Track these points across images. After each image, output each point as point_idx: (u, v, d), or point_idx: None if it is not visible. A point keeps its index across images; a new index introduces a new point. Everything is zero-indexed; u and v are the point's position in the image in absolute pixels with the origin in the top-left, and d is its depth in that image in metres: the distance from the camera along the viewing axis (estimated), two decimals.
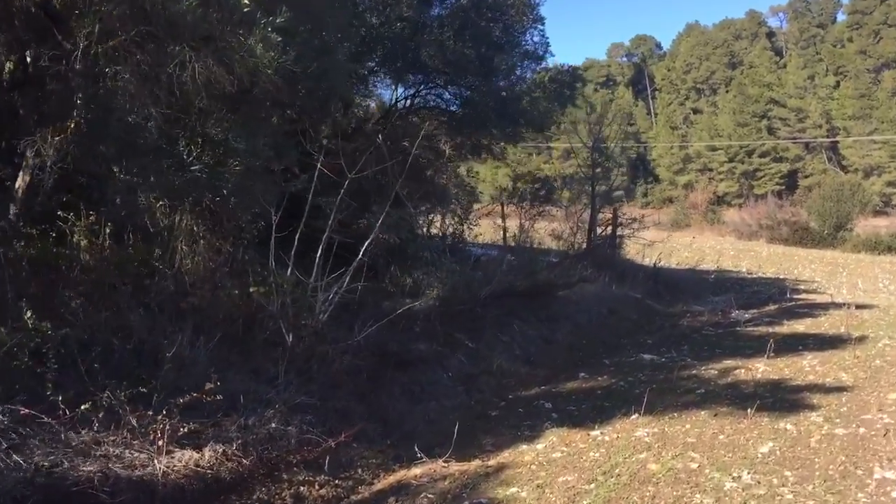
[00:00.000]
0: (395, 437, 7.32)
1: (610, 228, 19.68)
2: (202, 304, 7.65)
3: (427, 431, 7.70)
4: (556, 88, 14.99)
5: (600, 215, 19.68)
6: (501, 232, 19.02)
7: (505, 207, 18.47)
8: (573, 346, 12.42)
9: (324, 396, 7.10)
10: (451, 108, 14.90)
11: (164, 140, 8.84)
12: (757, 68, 75.34)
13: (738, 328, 14.05)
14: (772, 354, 11.33)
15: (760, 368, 10.50)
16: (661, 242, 21.01)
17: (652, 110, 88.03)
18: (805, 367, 10.44)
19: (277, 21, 6.70)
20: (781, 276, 23.96)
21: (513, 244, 17.40)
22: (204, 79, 6.73)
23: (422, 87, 15.23)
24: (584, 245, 18.95)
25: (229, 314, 7.69)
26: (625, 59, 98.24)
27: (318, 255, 8.20)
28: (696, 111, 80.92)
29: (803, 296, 18.99)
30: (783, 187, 64.17)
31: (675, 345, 12.84)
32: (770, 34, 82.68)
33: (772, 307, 16.75)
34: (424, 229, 15.34)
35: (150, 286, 7.67)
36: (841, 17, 76.55)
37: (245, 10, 6.57)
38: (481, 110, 14.48)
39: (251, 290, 7.77)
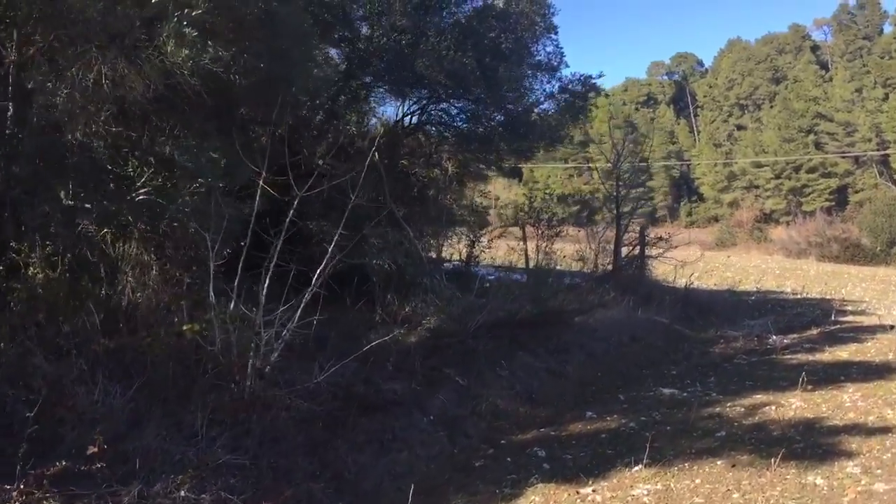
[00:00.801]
0: (348, 498, 6.22)
1: (638, 249, 18.39)
2: (133, 344, 6.67)
3: (391, 489, 6.57)
4: (566, 99, 13.88)
5: (628, 234, 18.41)
6: (523, 254, 17.93)
7: (525, 228, 17.35)
8: (585, 379, 11.20)
9: (259, 453, 6.03)
10: (457, 124, 13.89)
11: (108, 160, 7.97)
12: (802, 82, 73.17)
13: (773, 356, 12.74)
14: (808, 387, 10.08)
15: (794, 404, 9.23)
16: (694, 262, 19.57)
17: (694, 128, 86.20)
18: (845, 403, 9.14)
19: (193, 14, 5.73)
20: (828, 297, 22.37)
21: (532, 266, 16.30)
22: (111, 82, 5.81)
23: (426, 102, 14.25)
24: (610, 266, 17.73)
25: (164, 356, 6.68)
26: (665, 77, 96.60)
27: (263, 283, 7.13)
28: (739, 128, 78.86)
29: (849, 318, 17.49)
30: (833, 203, 61.85)
31: (702, 376, 11.59)
32: (815, 48, 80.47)
33: (814, 331, 15.33)
34: (428, 253, 14.32)
35: (78, 324, 6.72)
36: (888, 28, 74.11)
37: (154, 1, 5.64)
38: (486, 125, 13.47)
39: (184, 328, 6.73)
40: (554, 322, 11.86)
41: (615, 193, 18.23)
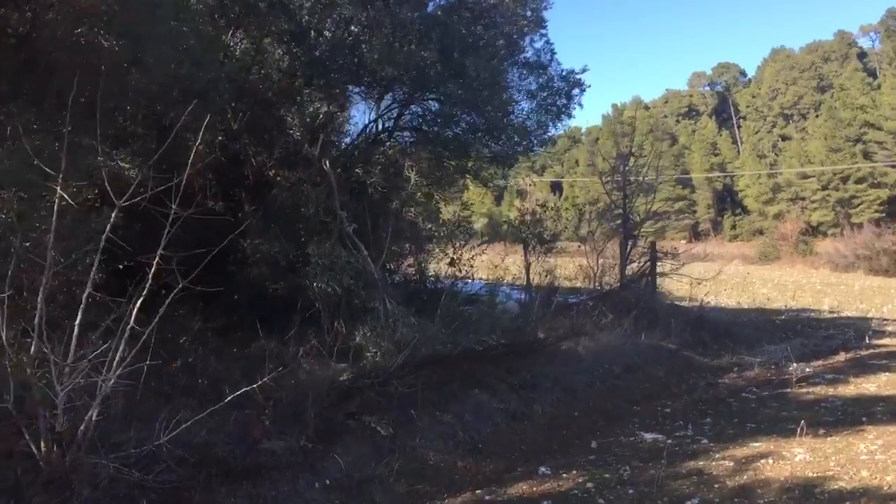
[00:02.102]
0: None
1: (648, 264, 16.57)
2: None
3: None
4: (546, 97, 12.22)
5: (636, 249, 16.62)
6: (523, 272, 16.32)
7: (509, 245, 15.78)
8: (556, 422, 9.47)
9: None
10: (425, 128, 12.32)
11: None
12: (849, 91, 70.22)
13: (788, 389, 10.89)
14: (820, 431, 8.32)
15: (797, 455, 7.47)
16: (712, 279, 17.68)
17: (738, 139, 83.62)
18: (860, 455, 7.35)
19: None
20: (868, 315, 20.28)
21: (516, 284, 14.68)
22: None
23: (395, 105, 12.74)
24: (617, 284, 15.98)
25: None
26: (707, 87, 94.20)
27: (77, 321, 5.57)
28: (784, 138, 76.16)
29: (885, 340, 15.45)
30: (883, 215, 58.90)
31: (699, 415, 9.85)
32: (861, 55, 77.55)
33: (841, 358, 13.41)
34: (393, 272, 12.76)
35: None
36: None
37: None
38: (456, 127, 11.92)
39: None
40: (526, 352, 10.19)
41: (622, 203, 16.46)
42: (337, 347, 9.25)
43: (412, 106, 12.53)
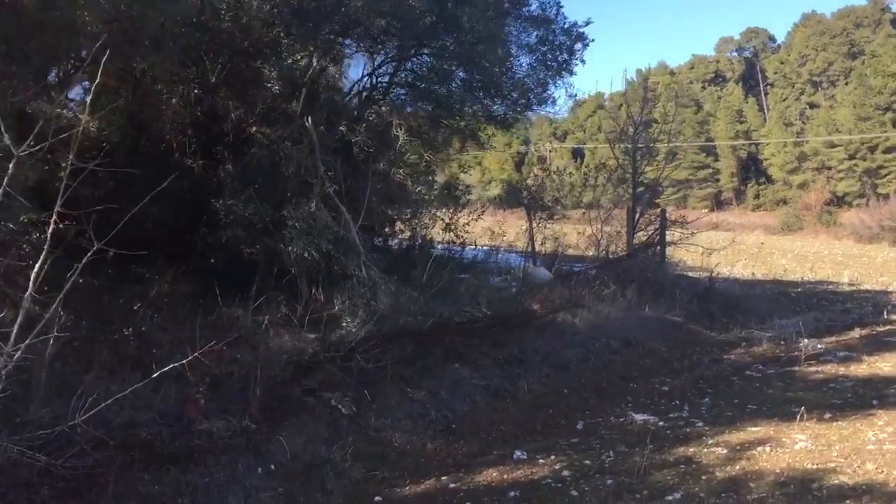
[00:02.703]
0: None
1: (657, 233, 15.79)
2: None
3: None
4: (547, 52, 11.41)
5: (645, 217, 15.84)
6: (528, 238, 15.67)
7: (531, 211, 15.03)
8: (543, 399, 8.84)
9: None
10: (425, 86, 11.57)
11: None
12: (880, 57, 68.01)
13: (796, 367, 10.18)
14: (826, 415, 7.66)
15: (798, 443, 6.83)
16: (723, 249, 16.88)
17: (764, 107, 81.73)
18: (867, 444, 6.68)
19: None
20: (889, 289, 19.41)
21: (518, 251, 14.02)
22: None
23: (388, 60, 12.02)
24: (624, 253, 15.25)
25: None
26: (735, 53, 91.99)
27: None
28: (812, 106, 74.25)
29: None
30: None
31: (698, 394, 9.20)
32: (894, 20, 75.32)
33: (856, 334, 12.66)
34: (384, 237, 12.15)
35: None
36: None
37: None
38: (448, 83, 11.21)
39: None
40: (515, 324, 9.55)
41: (632, 169, 15.66)
42: (308, 316, 8.68)
43: (408, 62, 11.81)
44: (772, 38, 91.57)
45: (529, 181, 15.98)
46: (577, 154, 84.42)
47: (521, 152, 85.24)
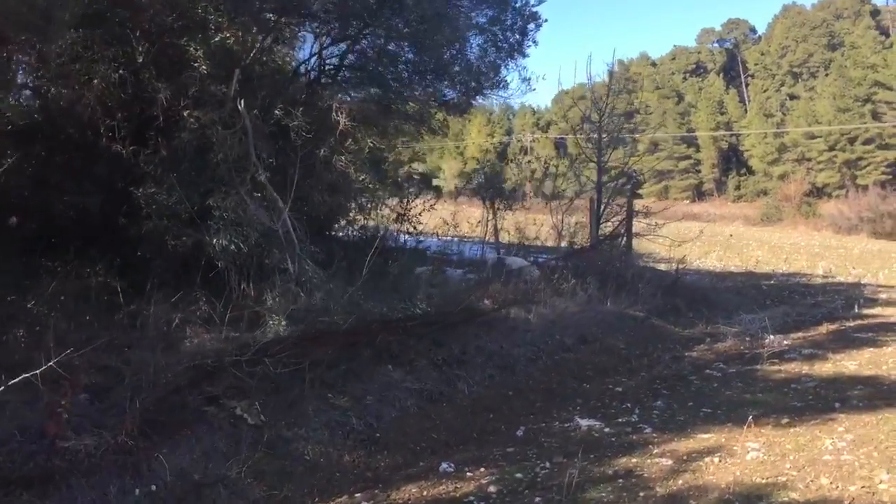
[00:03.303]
0: None
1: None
2: None
3: None
4: (498, 32, 10.74)
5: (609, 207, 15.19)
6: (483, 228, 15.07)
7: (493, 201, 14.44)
8: (484, 403, 8.18)
9: None
10: (373, 68, 10.90)
11: None
12: (860, 49, 67.87)
13: (759, 365, 9.61)
14: (784, 420, 7.09)
15: (750, 452, 6.23)
16: (693, 240, 16.31)
17: (745, 98, 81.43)
18: (824, 453, 6.09)
19: None
20: (863, 281, 18.92)
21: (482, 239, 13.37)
22: None
23: (333, 42, 11.36)
24: (587, 244, 14.64)
25: None
26: (716, 44, 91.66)
27: None
28: (792, 97, 74.02)
29: (877, 311, 14.10)
30: (889, 177, 57.25)
31: (652, 396, 8.59)
32: (874, 12, 74.99)
33: (824, 329, 12.10)
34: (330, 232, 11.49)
35: None
36: None
37: None
38: (393, 66, 10.56)
39: None
40: (457, 322, 8.92)
41: (596, 157, 15.04)
42: (229, 314, 8.04)
43: (356, 44, 11.15)
44: (753, 30, 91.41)
45: (487, 170, 15.39)
46: (560, 145, 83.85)
47: (503, 142, 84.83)
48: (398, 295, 9.34)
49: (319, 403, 6.81)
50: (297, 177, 10.20)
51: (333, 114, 10.08)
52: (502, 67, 11.15)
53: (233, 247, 8.88)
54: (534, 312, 10.72)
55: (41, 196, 9.42)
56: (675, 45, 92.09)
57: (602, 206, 14.89)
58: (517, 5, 11.06)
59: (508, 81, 11.39)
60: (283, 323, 8.24)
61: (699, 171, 76.62)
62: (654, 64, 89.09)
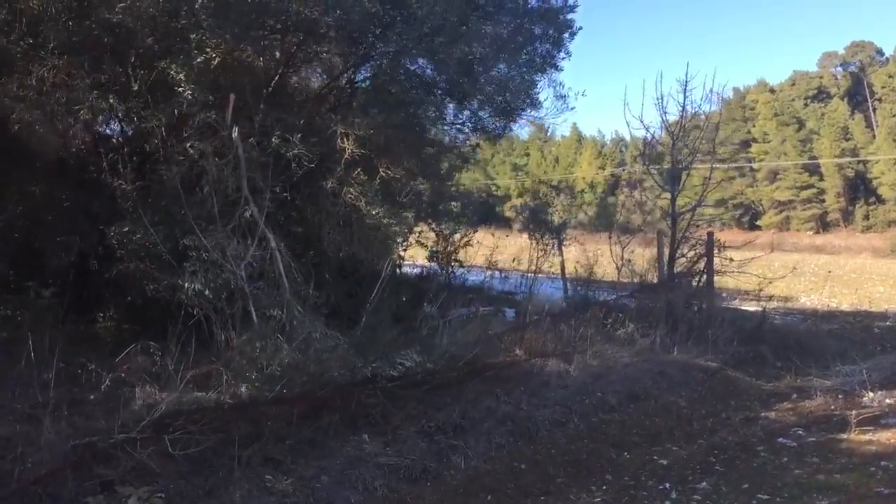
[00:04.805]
0: None
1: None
2: None
3: None
4: (520, 45, 9.24)
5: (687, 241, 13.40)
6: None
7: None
8: (482, 481, 6.65)
9: None
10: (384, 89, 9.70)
11: None
12: None
13: (845, 434, 7.77)
14: None
15: None
16: (781, 278, 14.29)
17: (873, 123, 76.71)
18: None
19: None
20: None
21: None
22: None
23: (348, 65, 10.25)
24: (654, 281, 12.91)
25: None
26: (839, 68, 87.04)
27: None
28: None
29: None
30: None
31: (701, 473, 6.91)
32: None
33: None
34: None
35: None
36: None
37: None
38: (407, 84, 9.34)
39: None
40: (461, 378, 7.50)
41: (669, 184, 13.35)
42: (191, 373, 6.90)
43: (367, 62, 9.99)
44: (879, 52, 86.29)
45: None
46: (674, 177, 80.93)
47: (614, 174, 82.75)
48: (397, 345, 8.01)
49: (252, 487, 5.49)
50: (308, 212, 9.10)
51: (338, 140, 8.90)
52: (530, 83, 9.69)
53: (207, 291, 7.76)
54: (575, 364, 9.17)
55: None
56: (794, 70, 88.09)
57: (678, 240, 13.13)
58: (541, 10, 9.60)
59: (542, 101, 9.96)
60: (253, 380, 7.05)
61: (823, 201, 72.41)
62: (772, 90, 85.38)
